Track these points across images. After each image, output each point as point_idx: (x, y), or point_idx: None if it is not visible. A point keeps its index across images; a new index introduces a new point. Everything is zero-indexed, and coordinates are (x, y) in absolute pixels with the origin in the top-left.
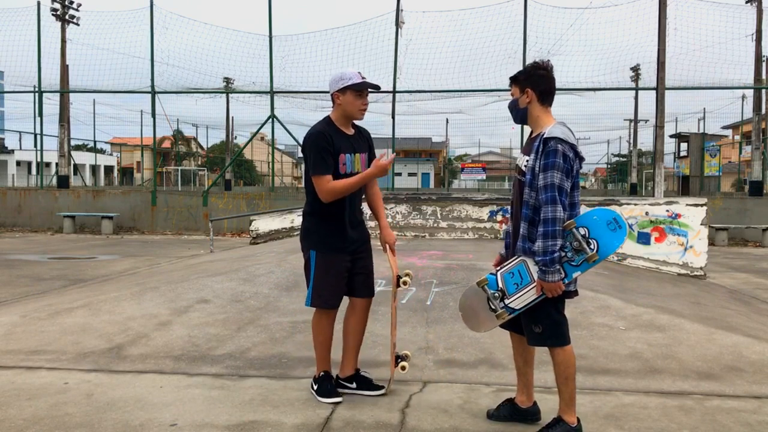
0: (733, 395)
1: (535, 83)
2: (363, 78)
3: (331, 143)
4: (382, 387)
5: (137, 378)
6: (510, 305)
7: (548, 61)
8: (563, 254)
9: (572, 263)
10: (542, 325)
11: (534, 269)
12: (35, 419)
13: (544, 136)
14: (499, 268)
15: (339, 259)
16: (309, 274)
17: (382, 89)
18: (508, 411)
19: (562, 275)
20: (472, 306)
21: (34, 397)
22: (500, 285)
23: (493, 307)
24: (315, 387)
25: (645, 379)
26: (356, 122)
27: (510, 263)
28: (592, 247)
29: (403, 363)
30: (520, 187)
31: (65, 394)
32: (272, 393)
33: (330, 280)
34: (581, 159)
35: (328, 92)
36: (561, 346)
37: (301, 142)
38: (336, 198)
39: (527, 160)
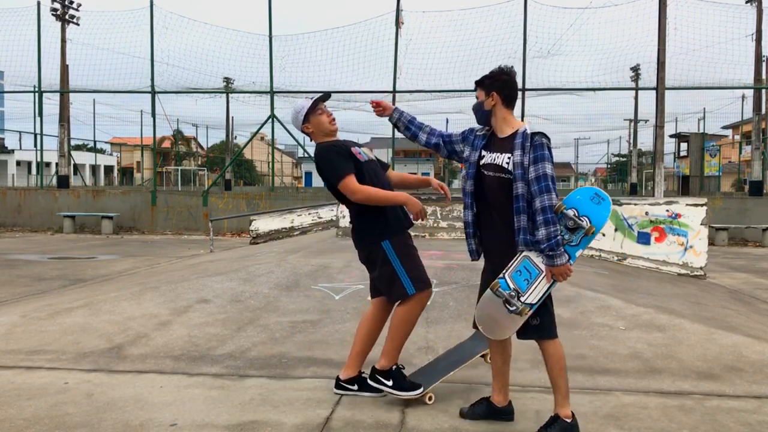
0: (733, 395)
1: (501, 87)
2: (311, 99)
3: (345, 146)
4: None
5: (137, 378)
6: (526, 302)
7: (511, 67)
8: (562, 237)
9: (572, 244)
10: (540, 318)
11: (538, 260)
12: (35, 419)
13: (528, 131)
14: (505, 270)
15: (407, 238)
16: (393, 264)
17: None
18: (483, 410)
19: (567, 257)
20: (491, 314)
21: (34, 397)
22: (512, 286)
23: (513, 307)
24: (390, 383)
25: (645, 379)
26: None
27: (513, 263)
28: (584, 223)
29: (431, 394)
30: (500, 185)
31: (65, 394)
32: (272, 393)
33: (416, 257)
34: None
35: (327, 92)
36: (553, 338)
37: (301, 142)
38: (367, 201)
39: (508, 157)
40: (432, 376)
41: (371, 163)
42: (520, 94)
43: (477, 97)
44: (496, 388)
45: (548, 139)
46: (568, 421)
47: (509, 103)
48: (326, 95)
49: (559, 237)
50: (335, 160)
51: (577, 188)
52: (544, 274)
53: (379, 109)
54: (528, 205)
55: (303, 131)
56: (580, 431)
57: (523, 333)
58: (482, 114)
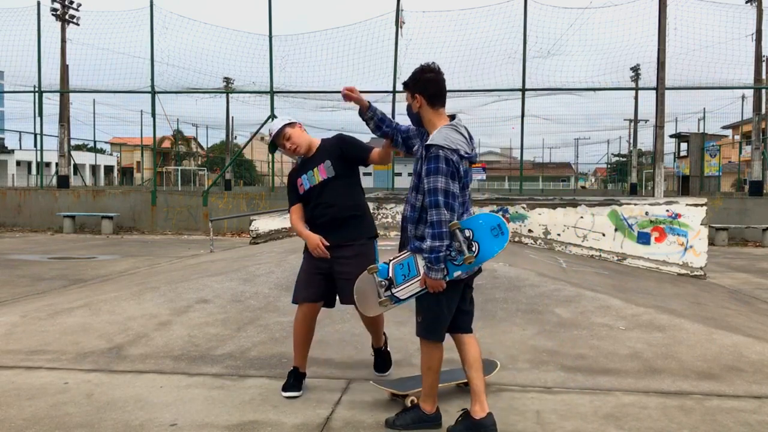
0: (733, 395)
1: (423, 88)
2: (270, 138)
3: (291, 178)
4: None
5: (137, 378)
6: (396, 294)
7: (434, 63)
8: (448, 253)
9: (455, 262)
10: (423, 316)
11: (421, 264)
12: (35, 419)
13: (426, 142)
14: (391, 258)
15: (310, 257)
16: None
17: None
18: (464, 426)
19: (445, 273)
20: (365, 291)
21: (34, 397)
22: (390, 275)
23: (379, 296)
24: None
25: (645, 379)
26: (326, 138)
27: (402, 255)
28: (473, 249)
29: (413, 398)
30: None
31: (65, 394)
32: (272, 393)
33: (301, 274)
34: (469, 158)
35: (327, 92)
36: (432, 341)
37: None
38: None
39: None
40: (417, 383)
41: (315, 188)
42: (520, 94)
43: (406, 100)
44: (471, 398)
45: (449, 149)
46: (426, 412)
47: (435, 103)
48: (271, 146)
49: (441, 253)
50: (288, 192)
51: (486, 213)
52: (420, 278)
53: (353, 96)
54: (421, 213)
55: None
56: (441, 425)
57: (416, 328)
58: (413, 117)
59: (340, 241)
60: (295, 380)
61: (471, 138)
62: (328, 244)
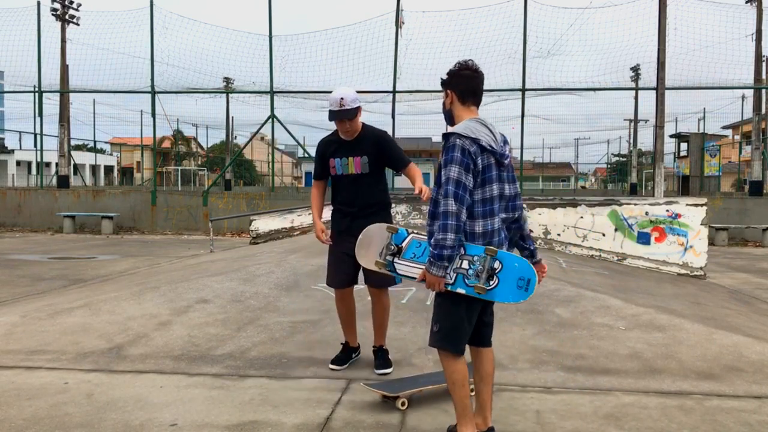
0: (733, 395)
1: (455, 84)
2: (340, 106)
3: (324, 151)
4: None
5: (137, 378)
6: (395, 263)
7: (472, 61)
8: (466, 269)
9: (466, 280)
10: (440, 324)
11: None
12: (35, 419)
13: (447, 131)
14: (416, 231)
15: (337, 241)
16: None
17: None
18: None
19: (446, 273)
20: (372, 240)
21: (34, 397)
22: (404, 244)
23: (381, 254)
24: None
25: (645, 379)
26: (368, 126)
27: (423, 235)
28: (491, 283)
29: (404, 400)
30: None
31: (65, 394)
32: (272, 393)
33: (330, 262)
34: (494, 153)
35: (327, 92)
36: (451, 353)
37: (300, 142)
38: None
39: None
40: (409, 385)
41: (346, 177)
42: (520, 94)
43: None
44: (475, 410)
45: (469, 139)
46: None
47: (466, 99)
48: (334, 116)
49: (446, 251)
50: (315, 161)
51: (526, 261)
52: (423, 267)
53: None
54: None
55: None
56: None
57: (429, 337)
58: (446, 115)
59: (355, 231)
60: (341, 354)
61: (506, 141)
62: (328, 237)
